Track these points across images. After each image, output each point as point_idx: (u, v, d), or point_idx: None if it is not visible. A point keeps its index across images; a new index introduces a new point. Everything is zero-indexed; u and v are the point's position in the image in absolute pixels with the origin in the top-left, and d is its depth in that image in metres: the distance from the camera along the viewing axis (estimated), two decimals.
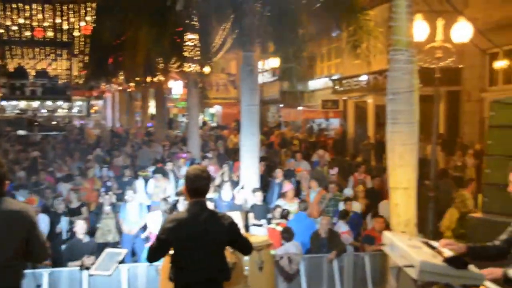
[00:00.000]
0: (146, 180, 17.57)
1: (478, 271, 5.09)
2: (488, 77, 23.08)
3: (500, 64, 21.05)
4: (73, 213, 14.28)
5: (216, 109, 49.48)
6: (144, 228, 13.75)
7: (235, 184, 15.79)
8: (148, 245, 10.58)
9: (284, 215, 13.31)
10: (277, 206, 13.97)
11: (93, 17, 49.91)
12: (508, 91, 19.69)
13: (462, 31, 15.18)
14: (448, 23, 15.44)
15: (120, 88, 47.24)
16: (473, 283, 5.04)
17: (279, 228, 12.47)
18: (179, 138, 32.91)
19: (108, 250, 9.34)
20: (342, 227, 13.01)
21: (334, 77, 32.99)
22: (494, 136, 7.31)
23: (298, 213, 13.58)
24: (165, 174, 17.52)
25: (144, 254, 11.86)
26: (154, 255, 5.94)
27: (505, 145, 6.80)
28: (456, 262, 5.03)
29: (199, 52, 21.83)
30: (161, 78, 33.02)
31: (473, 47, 15.22)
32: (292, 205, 14.39)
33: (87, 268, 8.94)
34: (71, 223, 13.30)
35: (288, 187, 15.83)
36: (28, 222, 5.39)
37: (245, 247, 6.26)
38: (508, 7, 10.20)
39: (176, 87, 41.32)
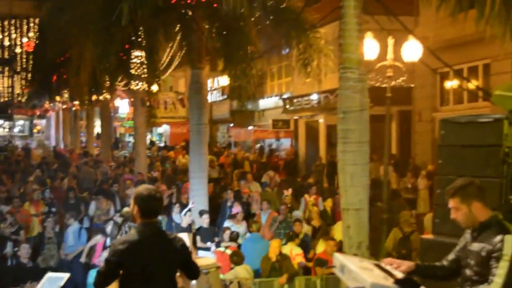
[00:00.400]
0: (86, 202, 17.43)
1: None
2: (439, 97, 23.50)
3: (451, 83, 21.45)
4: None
5: (164, 128, 49.23)
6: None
7: (184, 206, 15.70)
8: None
9: (234, 237, 13.22)
10: (226, 228, 13.91)
11: (36, 33, 49.45)
12: (459, 111, 20.01)
13: (412, 50, 15.42)
14: (399, 41, 15.68)
15: (65, 106, 46.80)
16: None
17: (229, 252, 12.40)
18: (127, 159, 32.64)
19: (49, 274, 9.12)
20: (294, 250, 13.00)
21: (285, 96, 33.18)
22: (445, 156, 7.35)
23: (252, 233, 13.51)
24: (109, 196, 17.33)
25: (90, 279, 11.70)
26: (103, 280, 5.73)
27: (455, 165, 6.85)
28: (407, 283, 5.04)
29: (146, 70, 21.77)
30: (107, 96, 32.78)
31: (424, 66, 15.47)
32: (239, 227, 14.40)
33: None
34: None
35: (237, 209, 15.80)
36: None
37: (194, 271, 6.19)
38: (459, 27, 10.41)
39: (123, 106, 41.08)
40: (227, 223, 14.69)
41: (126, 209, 13.16)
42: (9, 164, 31.13)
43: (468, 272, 5.31)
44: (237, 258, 11.48)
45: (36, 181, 21.90)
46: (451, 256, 5.58)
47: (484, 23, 9.13)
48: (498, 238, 5.05)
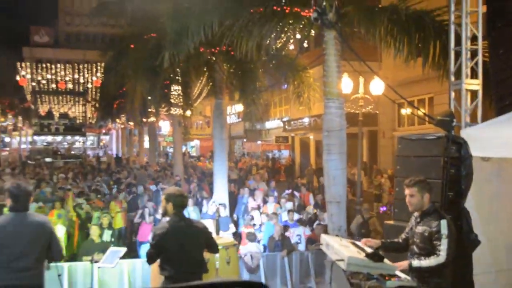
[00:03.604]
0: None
1: (391, 263, 5.17)
2: (397, 120, 23.57)
3: (405, 111, 21.55)
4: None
5: (195, 142, 49.40)
6: None
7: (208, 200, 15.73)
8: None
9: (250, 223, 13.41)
10: (251, 215, 14.03)
11: (102, 73, 49.86)
12: (411, 130, 20.12)
13: (377, 86, 15.49)
14: (367, 80, 15.76)
15: (122, 126, 46.96)
16: (387, 273, 5.10)
17: (246, 230, 12.48)
18: (168, 164, 32.75)
19: (112, 248, 9.21)
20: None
21: (284, 119, 33.28)
22: (401, 163, 7.38)
23: (268, 222, 13.43)
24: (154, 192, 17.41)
25: (141, 251, 11.81)
26: (151, 258, 5.82)
27: (408, 170, 6.88)
28: (375, 256, 5.08)
29: (182, 99, 21.87)
30: (154, 119, 32.92)
31: (386, 98, 15.51)
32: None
33: (96, 262, 8.77)
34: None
35: (252, 202, 15.86)
36: (49, 231, 5.30)
37: (214, 247, 6.24)
38: (410, 70, 10.49)
39: (165, 126, 41.19)
40: (253, 213, 14.66)
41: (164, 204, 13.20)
42: (83, 168, 31.28)
43: (414, 248, 5.43)
44: (252, 237, 11.49)
45: (103, 181, 21.93)
46: (402, 236, 5.73)
47: (428, 67, 9.21)
48: (436, 221, 5.24)
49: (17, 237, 5.11)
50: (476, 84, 7.53)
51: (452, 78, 7.67)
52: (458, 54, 7.60)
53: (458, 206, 6.57)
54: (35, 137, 68.58)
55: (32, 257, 5.14)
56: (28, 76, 61.93)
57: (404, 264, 5.30)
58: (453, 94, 7.66)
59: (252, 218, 13.60)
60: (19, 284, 5.07)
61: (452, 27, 7.66)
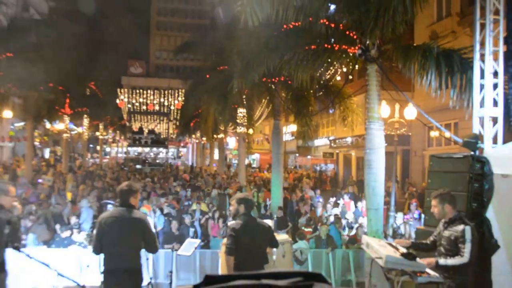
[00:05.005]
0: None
1: (422, 262, 5.06)
2: (427, 141, 22.99)
3: (434, 133, 21.03)
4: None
5: (256, 156, 49.64)
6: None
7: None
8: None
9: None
10: (308, 217, 13.95)
11: (183, 98, 51.04)
12: (439, 150, 19.59)
13: (411, 112, 15.20)
14: (402, 106, 15.47)
15: (197, 141, 47.84)
16: (418, 270, 5.01)
17: (306, 230, 12.50)
18: (234, 173, 33.00)
19: (188, 239, 9.36)
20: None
21: (331, 138, 33.03)
22: (432, 178, 7.24)
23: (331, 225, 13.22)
24: (223, 196, 17.49)
25: (212, 243, 11.91)
26: (230, 249, 5.75)
27: (438, 183, 6.73)
28: (408, 256, 5.01)
29: (246, 120, 22.10)
30: (222, 135, 33.41)
31: (418, 122, 15.18)
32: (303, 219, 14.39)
33: (176, 250, 8.95)
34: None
35: (305, 208, 15.79)
36: (141, 225, 5.40)
37: (275, 242, 6.23)
38: (439, 99, 10.22)
39: (231, 141, 41.63)
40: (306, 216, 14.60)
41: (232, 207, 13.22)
42: (165, 174, 31.97)
43: (442, 249, 5.31)
44: (301, 235, 11.44)
45: (179, 185, 22.27)
46: (431, 238, 5.64)
47: (455, 97, 9.00)
48: (461, 227, 5.12)
49: (116, 227, 5.33)
50: (497, 112, 7.41)
51: (477, 106, 7.53)
52: (481, 86, 7.48)
53: (480, 215, 6.42)
54: (129, 148, 70.99)
55: (126, 245, 5.29)
56: (125, 99, 64.48)
57: (430, 260, 5.18)
58: (477, 120, 7.52)
59: (310, 220, 13.51)
60: (115, 268, 5.24)
61: (477, 63, 7.53)
